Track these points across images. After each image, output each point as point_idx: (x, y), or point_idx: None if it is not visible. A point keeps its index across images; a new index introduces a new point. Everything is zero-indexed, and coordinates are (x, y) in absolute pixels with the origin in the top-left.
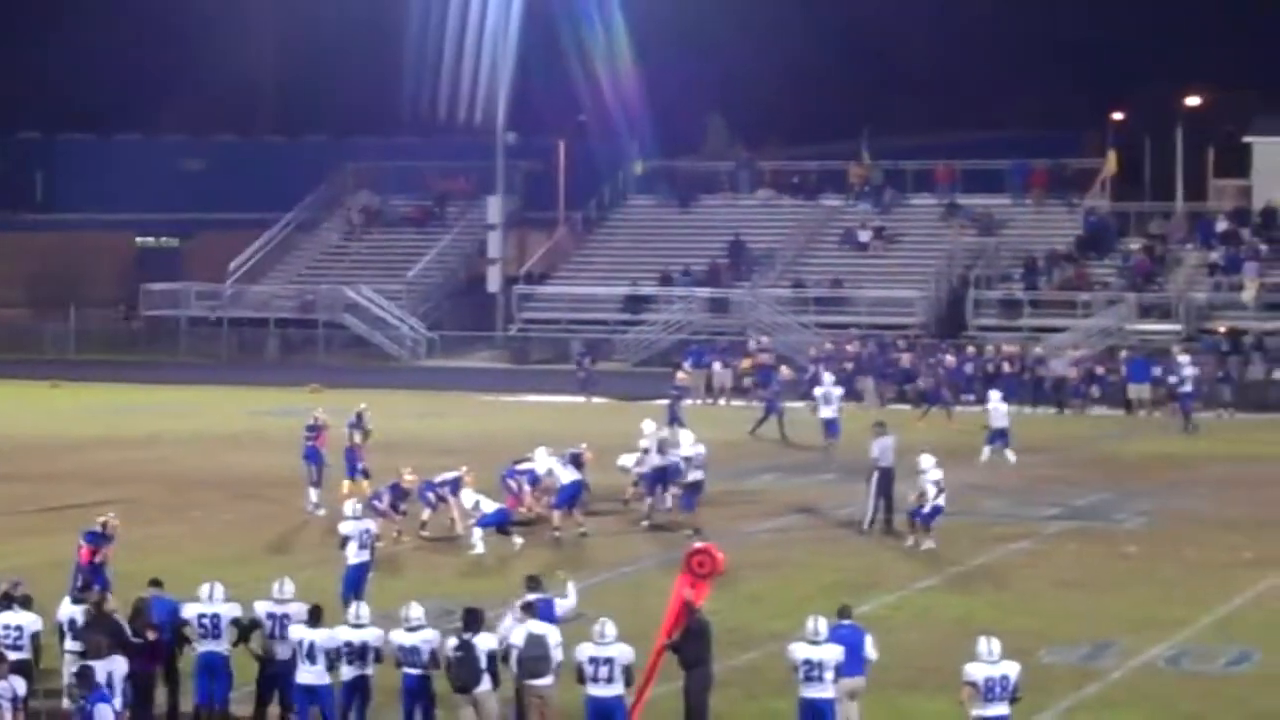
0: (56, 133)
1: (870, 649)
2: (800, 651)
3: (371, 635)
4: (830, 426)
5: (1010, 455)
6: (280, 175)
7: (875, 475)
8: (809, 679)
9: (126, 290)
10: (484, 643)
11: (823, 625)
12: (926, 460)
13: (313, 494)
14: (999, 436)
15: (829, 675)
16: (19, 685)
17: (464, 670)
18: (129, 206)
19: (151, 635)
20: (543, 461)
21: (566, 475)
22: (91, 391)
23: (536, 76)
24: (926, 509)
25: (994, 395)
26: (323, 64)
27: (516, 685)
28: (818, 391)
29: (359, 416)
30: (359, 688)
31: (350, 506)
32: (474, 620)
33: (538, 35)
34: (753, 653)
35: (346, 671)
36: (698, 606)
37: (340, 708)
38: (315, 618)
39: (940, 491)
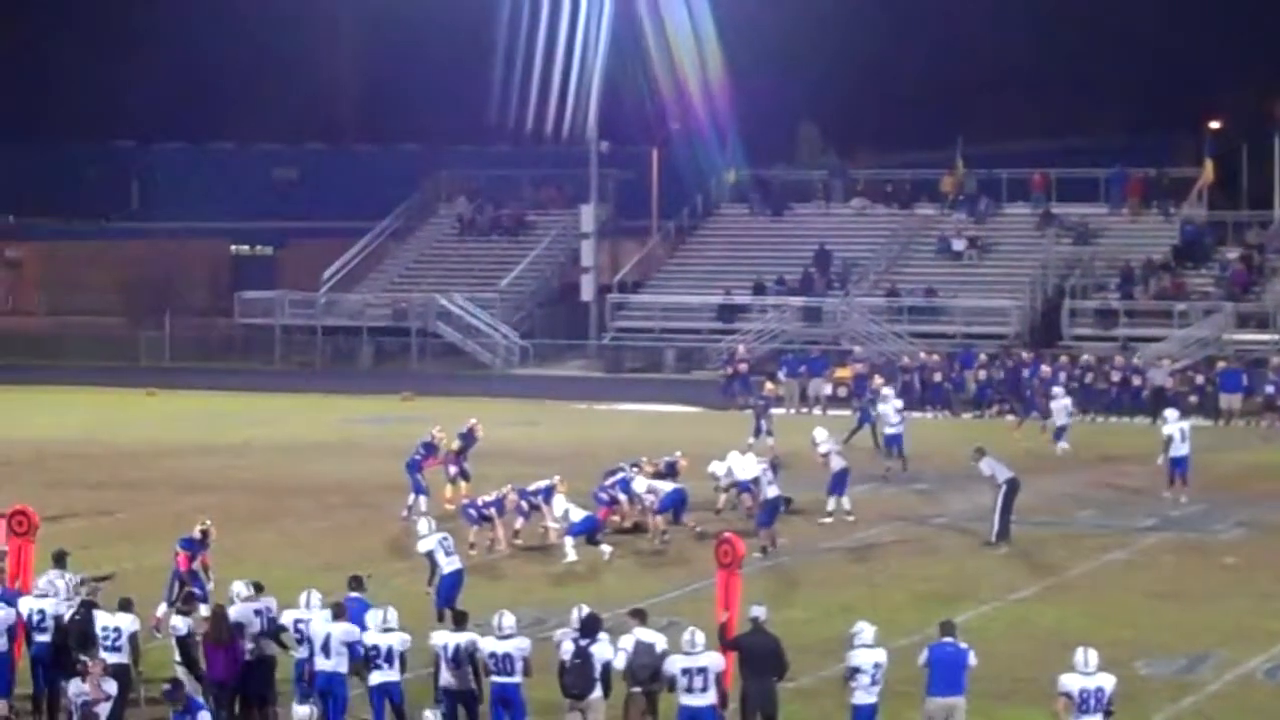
0: (152, 142)
1: (973, 662)
2: (866, 657)
3: (396, 640)
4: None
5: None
6: (373, 184)
7: (1003, 489)
8: (875, 682)
9: (221, 298)
10: (600, 651)
11: (876, 632)
12: (1172, 413)
13: (421, 502)
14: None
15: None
16: (110, 688)
17: (579, 677)
18: (223, 215)
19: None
20: (640, 485)
21: (666, 486)
22: (186, 399)
23: (629, 85)
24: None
25: (1170, 414)
26: (415, 73)
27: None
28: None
29: (470, 430)
30: (387, 692)
31: (423, 524)
32: (592, 627)
33: (629, 44)
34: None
35: (374, 676)
36: (731, 606)
37: (373, 712)
38: (460, 622)
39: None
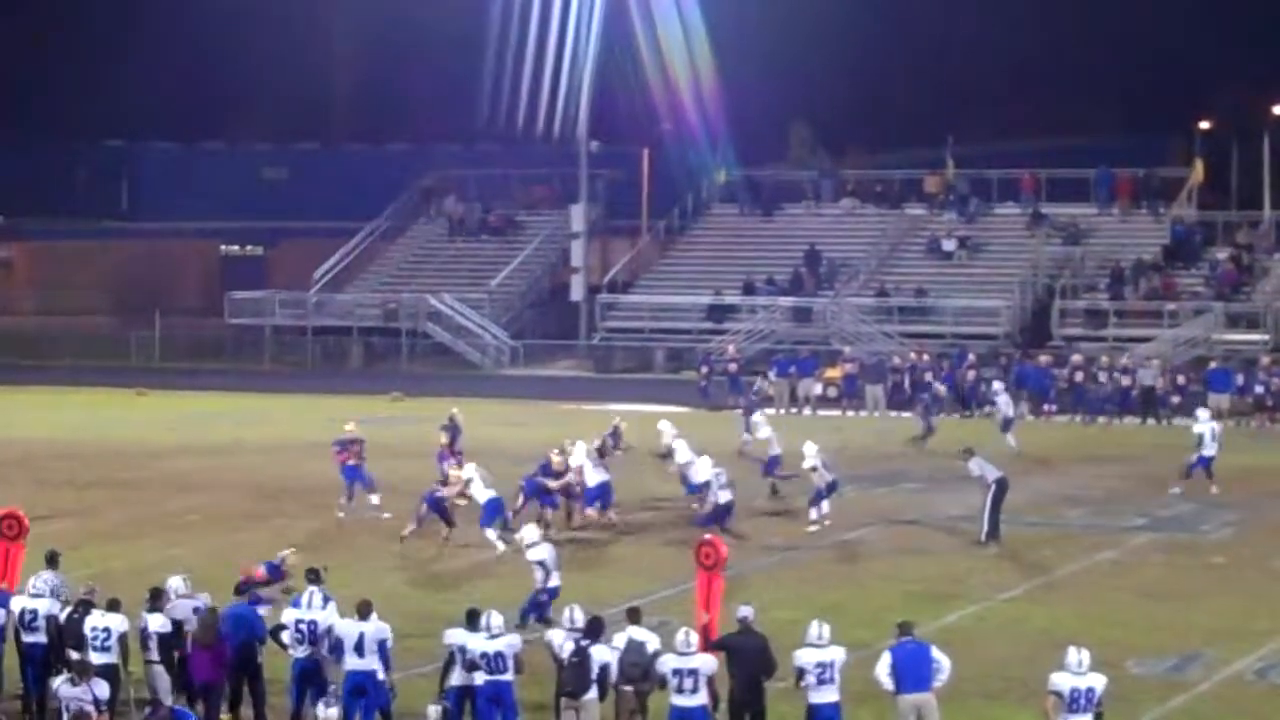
0: (141, 141)
1: (940, 656)
2: (809, 656)
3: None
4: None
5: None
6: (363, 184)
7: (992, 489)
8: (822, 682)
9: (211, 298)
10: (599, 654)
11: (826, 630)
12: (1204, 413)
13: (349, 492)
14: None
15: (838, 677)
16: (101, 690)
17: (576, 677)
18: (213, 215)
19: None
20: (578, 457)
21: (594, 477)
22: (176, 399)
23: (620, 85)
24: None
25: (1202, 414)
26: (405, 73)
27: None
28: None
29: (451, 420)
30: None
31: (530, 532)
32: (595, 629)
33: (620, 44)
34: None
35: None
36: (713, 609)
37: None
38: (473, 620)
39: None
